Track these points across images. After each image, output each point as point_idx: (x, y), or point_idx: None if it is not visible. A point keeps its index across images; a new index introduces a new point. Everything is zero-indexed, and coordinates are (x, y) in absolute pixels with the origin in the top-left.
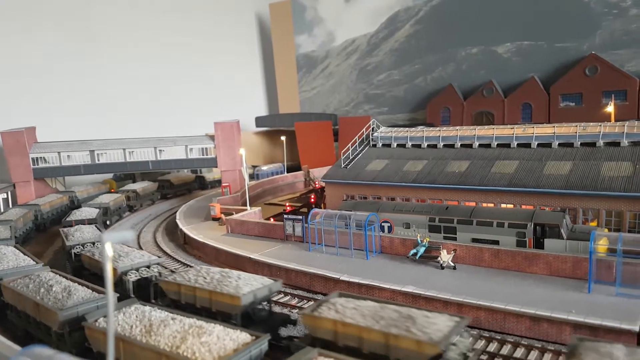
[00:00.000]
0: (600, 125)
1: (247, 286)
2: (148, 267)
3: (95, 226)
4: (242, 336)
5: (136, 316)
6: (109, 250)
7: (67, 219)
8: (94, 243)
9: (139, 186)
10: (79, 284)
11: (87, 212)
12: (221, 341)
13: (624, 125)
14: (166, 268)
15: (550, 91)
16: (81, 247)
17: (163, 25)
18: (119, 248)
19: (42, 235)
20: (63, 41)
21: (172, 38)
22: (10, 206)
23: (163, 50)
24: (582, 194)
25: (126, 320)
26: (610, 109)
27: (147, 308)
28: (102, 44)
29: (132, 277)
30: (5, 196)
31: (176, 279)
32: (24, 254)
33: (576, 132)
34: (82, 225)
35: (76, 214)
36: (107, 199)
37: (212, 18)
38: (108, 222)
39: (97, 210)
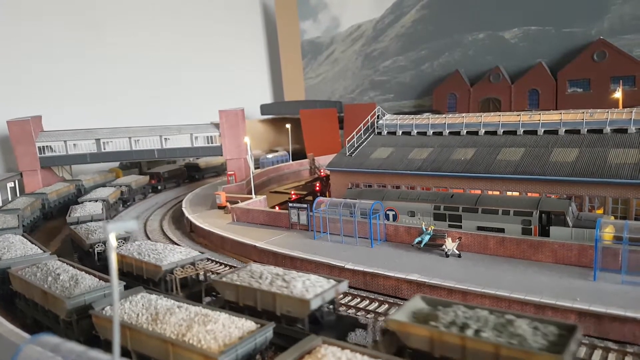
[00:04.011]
0: (608, 112)
1: (314, 288)
2: (192, 264)
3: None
4: (247, 324)
5: (142, 304)
6: (112, 240)
7: (72, 217)
8: (123, 239)
9: (132, 179)
10: (86, 272)
11: (91, 207)
12: (226, 329)
13: (631, 112)
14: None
15: (558, 77)
16: (103, 245)
17: (168, 13)
18: (160, 245)
19: (49, 224)
20: (68, 29)
21: (177, 26)
22: (18, 195)
23: (167, 38)
24: (588, 181)
25: (132, 309)
26: (618, 95)
27: (154, 296)
28: (106, 32)
29: (177, 274)
30: (13, 185)
31: (233, 279)
32: (32, 243)
33: (583, 119)
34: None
35: (79, 210)
36: (105, 193)
37: (216, 5)
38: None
39: (101, 204)
